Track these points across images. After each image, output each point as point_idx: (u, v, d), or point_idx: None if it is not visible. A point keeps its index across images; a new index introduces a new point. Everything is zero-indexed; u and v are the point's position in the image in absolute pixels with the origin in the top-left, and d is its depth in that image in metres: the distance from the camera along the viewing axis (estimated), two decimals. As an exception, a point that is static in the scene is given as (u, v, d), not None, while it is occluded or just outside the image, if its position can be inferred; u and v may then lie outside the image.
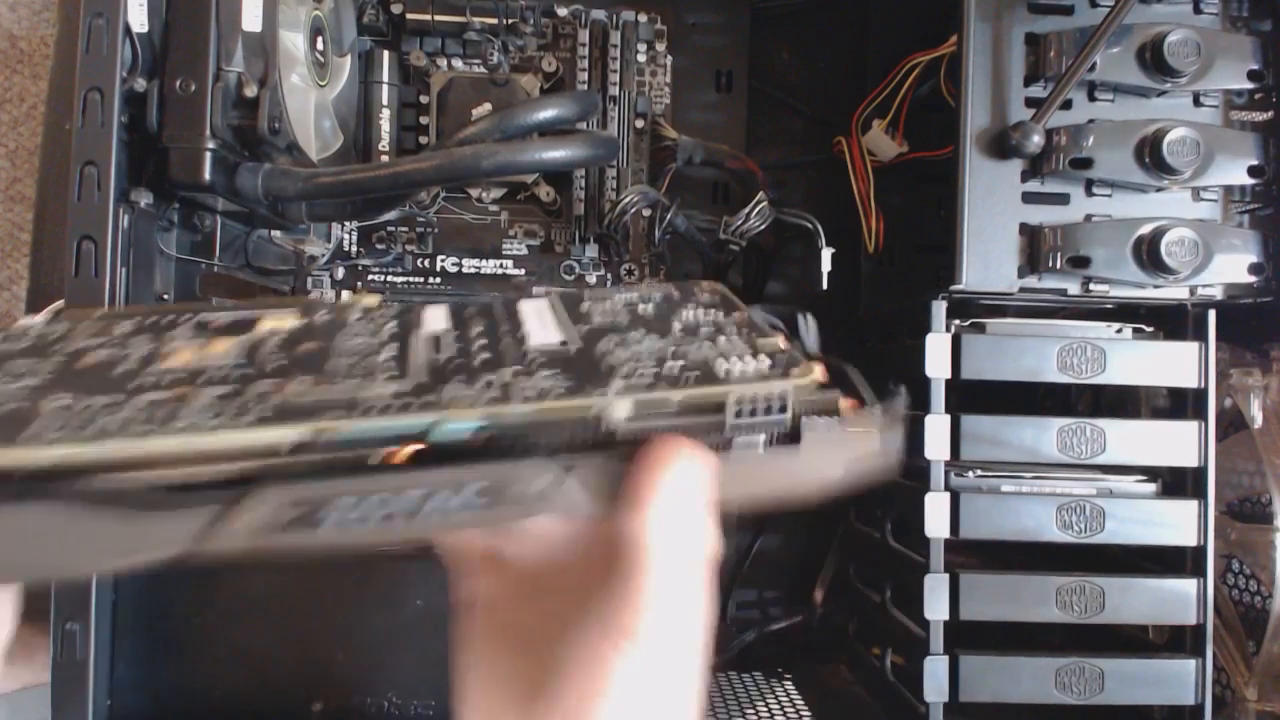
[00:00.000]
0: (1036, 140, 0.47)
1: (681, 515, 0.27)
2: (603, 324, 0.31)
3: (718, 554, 0.28)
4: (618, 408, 0.25)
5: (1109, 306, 0.52)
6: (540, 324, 0.31)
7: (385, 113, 0.63)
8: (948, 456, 0.50)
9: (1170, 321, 0.52)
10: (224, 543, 0.24)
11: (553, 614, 0.28)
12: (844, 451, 0.27)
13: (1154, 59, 0.48)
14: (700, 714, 0.29)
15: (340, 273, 0.64)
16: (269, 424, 0.24)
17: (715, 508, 0.28)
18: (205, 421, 0.24)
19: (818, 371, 0.27)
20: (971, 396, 0.51)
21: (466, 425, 0.24)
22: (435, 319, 0.32)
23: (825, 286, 0.57)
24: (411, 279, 0.65)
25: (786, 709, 0.61)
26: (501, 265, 0.66)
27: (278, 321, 0.32)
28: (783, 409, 0.27)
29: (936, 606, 0.49)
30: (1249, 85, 0.50)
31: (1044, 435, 0.49)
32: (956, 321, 0.51)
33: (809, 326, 0.33)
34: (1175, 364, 0.50)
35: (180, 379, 0.26)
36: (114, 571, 0.32)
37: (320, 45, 0.55)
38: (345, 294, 0.63)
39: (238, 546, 0.24)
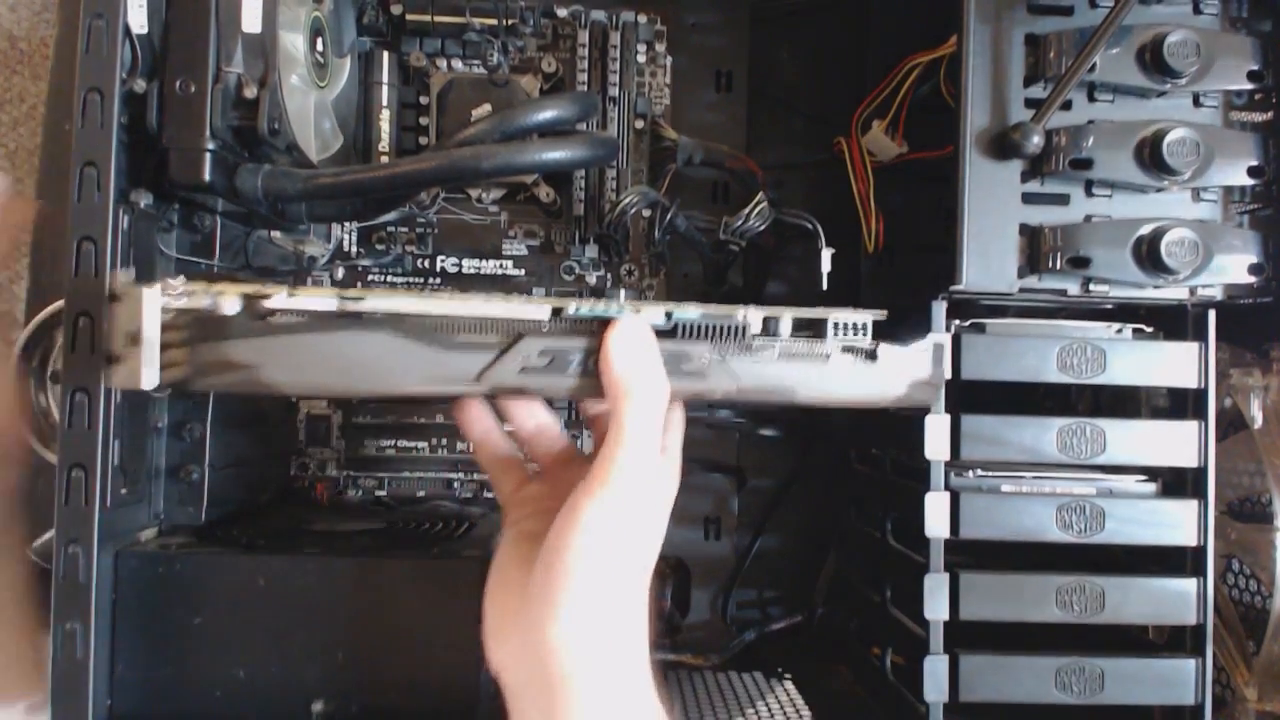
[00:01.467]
0: (1036, 141, 0.47)
1: (647, 413, 0.38)
2: None
3: (667, 398, 0.39)
4: (754, 318, 0.41)
5: (1109, 307, 0.52)
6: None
7: (385, 113, 0.63)
8: (948, 456, 0.50)
9: (1170, 322, 0.52)
10: (498, 377, 0.38)
11: (553, 514, 0.38)
12: (907, 373, 0.42)
13: (1154, 60, 0.48)
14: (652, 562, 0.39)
15: (340, 273, 0.64)
16: (535, 303, 0.39)
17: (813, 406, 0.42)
18: (495, 301, 0.39)
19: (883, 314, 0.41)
20: (972, 396, 0.51)
21: (656, 316, 0.40)
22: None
23: (825, 287, 0.56)
24: (411, 279, 0.65)
25: (786, 709, 0.61)
26: (501, 266, 0.66)
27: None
28: (865, 332, 0.41)
29: (936, 606, 0.49)
30: (1249, 86, 0.50)
31: (1044, 435, 0.49)
32: (956, 321, 0.51)
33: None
34: (1175, 364, 0.50)
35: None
36: (418, 395, 0.40)
37: (320, 46, 0.55)
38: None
39: (506, 384, 0.38)
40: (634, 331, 0.39)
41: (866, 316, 0.42)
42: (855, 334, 0.41)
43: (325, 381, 0.37)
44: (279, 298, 0.36)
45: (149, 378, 0.36)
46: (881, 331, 0.42)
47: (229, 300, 0.36)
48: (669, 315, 0.40)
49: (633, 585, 0.38)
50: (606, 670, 0.37)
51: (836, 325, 0.41)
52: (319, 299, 0.37)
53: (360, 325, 0.37)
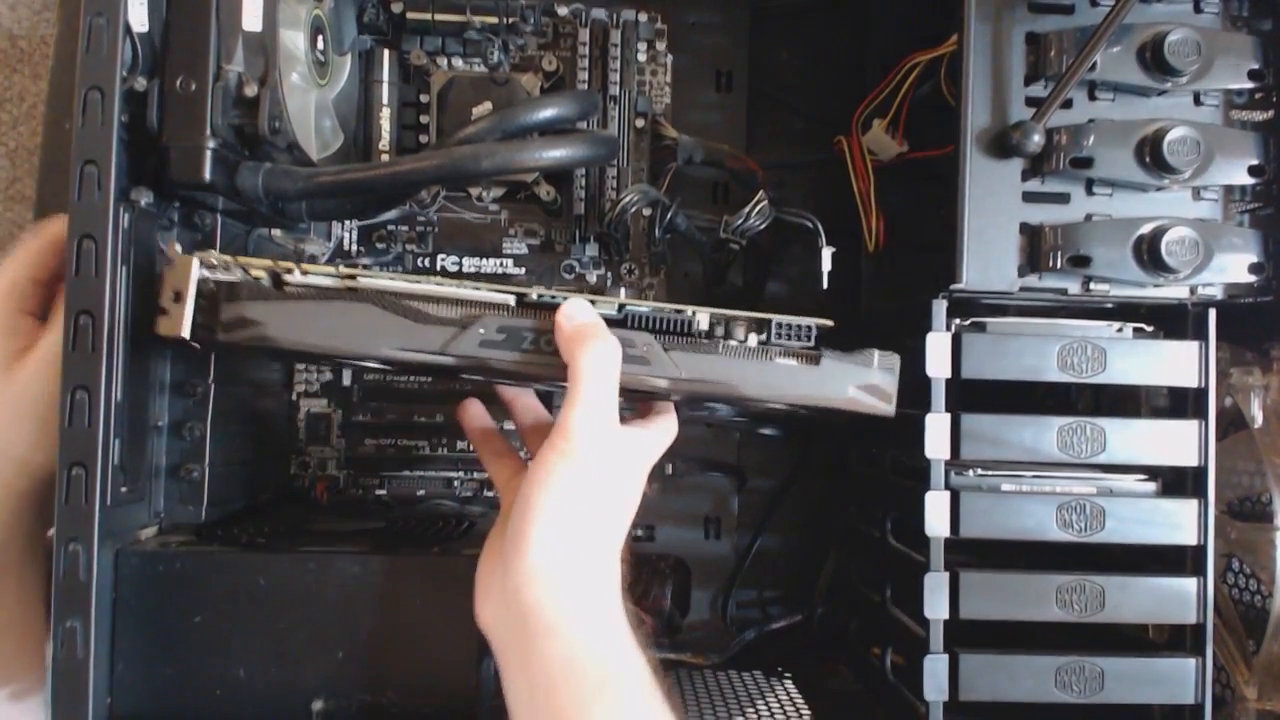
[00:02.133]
0: (1037, 140, 0.47)
1: (601, 368, 0.41)
2: None
3: (615, 360, 0.42)
4: (701, 317, 0.45)
5: (1109, 306, 0.52)
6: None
7: (385, 112, 0.63)
8: (948, 455, 0.50)
9: (1170, 321, 0.52)
10: (460, 348, 0.42)
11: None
12: (852, 378, 0.44)
13: (1154, 58, 0.48)
14: (627, 523, 0.44)
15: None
16: (502, 290, 0.43)
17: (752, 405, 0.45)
18: (470, 286, 0.43)
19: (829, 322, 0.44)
20: (972, 395, 0.51)
21: (609, 307, 0.44)
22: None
23: (825, 286, 0.56)
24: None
25: (786, 709, 0.61)
26: (501, 264, 0.66)
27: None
28: (809, 337, 0.44)
29: (936, 605, 0.49)
30: (1249, 85, 0.50)
31: (1044, 434, 0.49)
32: (957, 321, 0.51)
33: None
34: (1175, 363, 0.50)
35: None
36: (391, 362, 0.43)
37: (320, 44, 0.55)
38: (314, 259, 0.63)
39: (466, 354, 0.42)
40: (579, 305, 0.43)
41: (810, 321, 0.44)
42: (797, 338, 0.44)
43: (318, 341, 0.43)
44: (294, 273, 0.43)
45: (187, 328, 0.43)
46: (832, 338, 0.45)
47: (256, 272, 0.43)
48: (621, 307, 0.44)
49: (598, 529, 0.42)
50: (574, 602, 0.40)
51: (780, 327, 0.44)
52: (323, 276, 0.43)
53: (352, 298, 0.43)
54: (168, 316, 0.43)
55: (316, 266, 0.44)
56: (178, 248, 0.45)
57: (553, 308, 0.43)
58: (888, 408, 0.45)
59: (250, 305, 0.42)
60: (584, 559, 0.41)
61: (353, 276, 0.43)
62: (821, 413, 0.46)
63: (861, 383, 0.45)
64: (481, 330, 0.43)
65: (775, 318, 0.45)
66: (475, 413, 0.52)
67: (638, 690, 0.40)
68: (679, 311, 0.44)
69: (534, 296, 0.43)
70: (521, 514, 0.41)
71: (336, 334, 0.43)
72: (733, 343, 0.44)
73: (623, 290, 0.64)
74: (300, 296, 0.43)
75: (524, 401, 0.52)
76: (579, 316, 0.43)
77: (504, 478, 0.49)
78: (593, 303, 0.43)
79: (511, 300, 0.43)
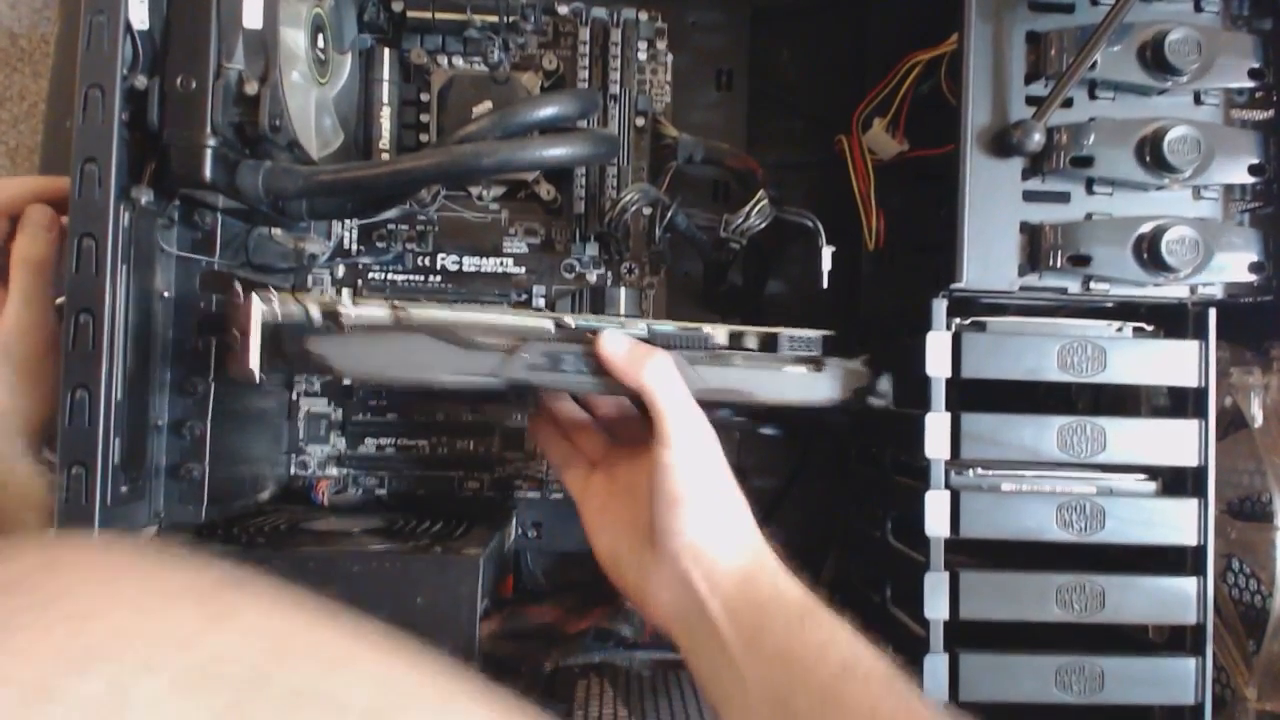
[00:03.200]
0: (1037, 138, 0.47)
1: (668, 376, 0.46)
2: None
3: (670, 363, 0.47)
4: (719, 333, 0.50)
5: (1109, 305, 0.52)
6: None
7: (386, 110, 0.62)
8: (948, 455, 0.50)
9: (1170, 320, 0.52)
10: (508, 371, 0.47)
11: (638, 467, 0.48)
12: (853, 381, 0.50)
13: (1155, 57, 0.48)
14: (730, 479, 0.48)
15: (340, 270, 0.64)
16: (541, 316, 0.48)
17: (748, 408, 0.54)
18: (510, 314, 0.49)
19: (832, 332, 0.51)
20: (972, 395, 0.51)
21: (639, 330, 0.49)
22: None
23: (825, 285, 0.57)
24: (412, 277, 0.65)
25: (786, 708, 0.61)
26: (502, 263, 0.65)
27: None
28: (815, 347, 0.50)
29: (936, 605, 0.49)
30: (1249, 84, 0.50)
31: (1044, 434, 0.49)
32: (957, 320, 0.51)
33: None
34: (1175, 363, 0.50)
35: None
36: (446, 386, 0.47)
37: (321, 43, 0.55)
38: (345, 291, 0.63)
39: (515, 377, 0.47)
40: (617, 338, 0.47)
41: (816, 334, 0.51)
42: (805, 348, 0.50)
43: (379, 371, 0.47)
44: (347, 306, 0.46)
45: (256, 369, 0.45)
46: (832, 337, 0.51)
47: (312, 308, 0.46)
48: (649, 328, 0.49)
49: (717, 485, 0.47)
50: (740, 559, 0.46)
51: (790, 340, 0.50)
52: (375, 308, 0.47)
53: (406, 330, 0.47)
54: (234, 355, 0.47)
55: (365, 300, 0.48)
56: (238, 287, 0.47)
57: (586, 331, 0.48)
58: (886, 403, 0.51)
59: (314, 341, 0.46)
60: (723, 515, 0.47)
61: (404, 308, 0.47)
62: (827, 410, 0.51)
63: (860, 384, 0.50)
64: (526, 355, 0.47)
65: (784, 331, 0.50)
66: (546, 433, 0.56)
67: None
68: (698, 329, 0.50)
69: (571, 324, 0.48)
70: (662, 503, 0.45)
71: (395, 365, 0.47)
72: (748, 353, 0.50)
73: (623, 291, 0.65)
74: (358, 330, 0.46)
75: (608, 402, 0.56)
76: (624, 344, 0.47)
77: (579, 485, 0.53)
78: (621, 327, 0.49)
79: (549, 324, 0.48)
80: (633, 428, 0.53)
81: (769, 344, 0.50)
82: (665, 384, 0.46)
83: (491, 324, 0.47)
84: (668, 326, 0.50)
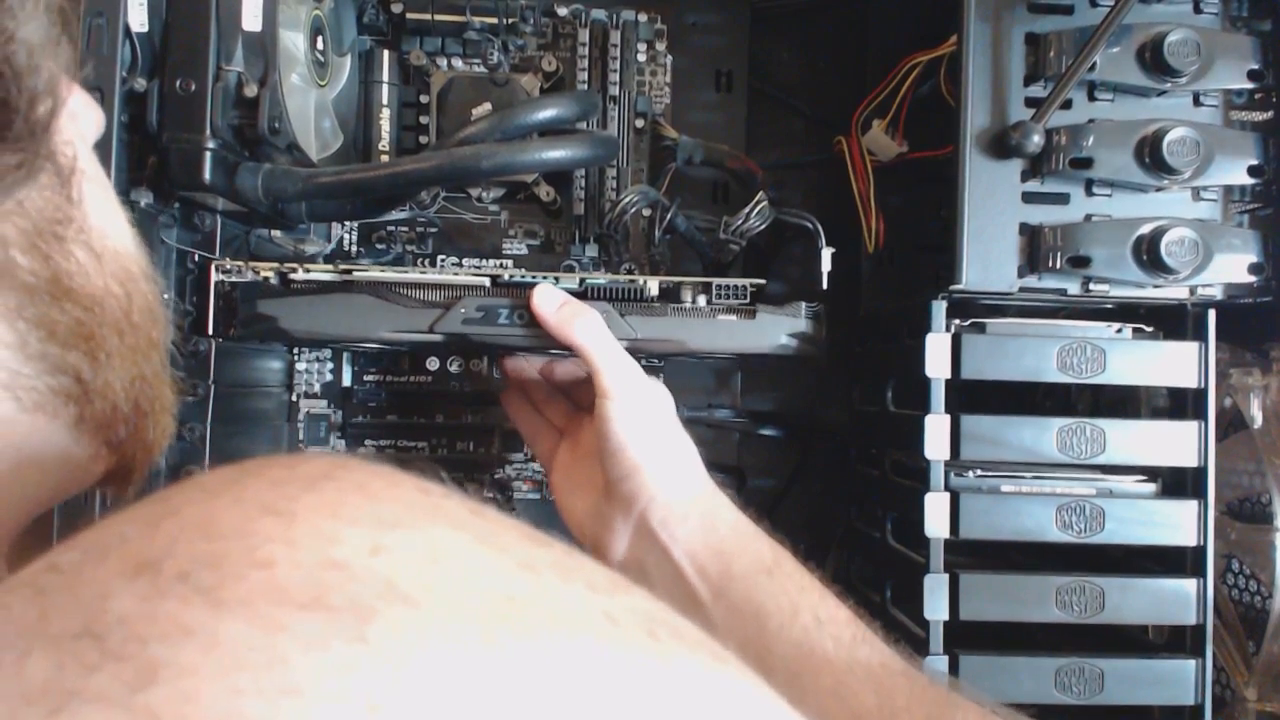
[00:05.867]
0: (1036, 140, 0.47)
1: (598, 332, 0.47)
2: None
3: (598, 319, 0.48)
4: (652, 284, 0.51)
5: (1109, 306, 0.52)
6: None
7: (385, 112, 0.62)
8: (947, 456, 0.50)
9: (1170, 321, 0.52)
10: (445, 326, 0.49)
11: (593, 426, 0.48)
12: (784, 328, 0.51)
13: (1154, 59, 0.48)
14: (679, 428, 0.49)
15: (340, 272, 0.64)
16: (479, 275, 0.51)
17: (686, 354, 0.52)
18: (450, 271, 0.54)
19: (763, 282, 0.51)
20: (971, 396, 0.51)
21: (573, 283, 0.51)
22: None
23: (825, 286, 0.56)
24: (411, 279, 0.65)
25: (786, 709, 0.61)
26: (501, 265, 0.66)
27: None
28: (745, 295, 0.51)
29: (936, 606, 0.49)
30: (1249, 85, 0.50)
31: (1044, 435, 0.49)
32: (956, 321, 0.51)
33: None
34: (1175, 364, 0.50)
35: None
36: (387, 342, 0.49)
37: (320, 45, 0.55)
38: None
39: (450, 330, 0.49)
40: (549, 292, 0.49)
41: (745, 281, 0.51)
42: (735, 296, 0.51)
43: (324, 329, 0.49)
44: (299, 273, 0.50)
45: (211, 328, 0.50)
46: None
47: (266, 273, 0.49)
48: (581, 281, 0.51)
49: (660, 431, 0.48)
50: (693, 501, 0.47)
51: (719, 288, 0.51)
52: (322, 272, 0.50)
53: (350, 290, 0.49)
54: (196, 321, 0.50)
55: (318, 265, 0.50)
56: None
57: (522, 286, 0.49)
58: (816, 350, 0.51)
59: (264, 304, 0.48)
60: (672, 454, 0.48)
61: (349, 271, 0.50)
62: (761, 360, 0.54)
63: (792, 330, 0.51)
64: (463, 310, 0.49)
65: (716, 280, 0.51)
66: (516, 399, 0.57)
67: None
68: (632, 280, 0.51)
69: (505, 278, 0.50)
70: (609, 453, 0.46)
71: (339, 322, 0.49)
72: (680, 305, 0.51)
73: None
74: (305, 291, 0.49)
75: (565, 367, 0.58)
76: (554, 300, 0.48)
77: (546, 449, 0.55)
78: (556, 281, 0.50)
79: (486, 282, 0.50)
80: (590, 392, 0.54)
81: (703, 294, 0.52)
82: (596, 339, 0.47)
83: (431, 281, 0.49)
84: (600, 279, 0.51)
